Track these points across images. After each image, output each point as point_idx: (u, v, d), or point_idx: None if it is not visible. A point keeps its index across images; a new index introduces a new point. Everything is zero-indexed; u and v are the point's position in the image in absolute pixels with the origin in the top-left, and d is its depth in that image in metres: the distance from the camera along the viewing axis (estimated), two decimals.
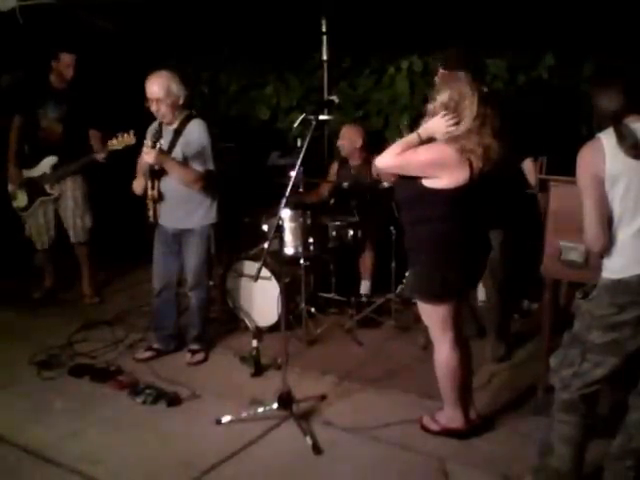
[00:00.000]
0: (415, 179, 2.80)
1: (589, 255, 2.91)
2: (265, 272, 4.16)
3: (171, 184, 3.80)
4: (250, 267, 4.40)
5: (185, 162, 3.77)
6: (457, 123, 2.74)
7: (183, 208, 3.85)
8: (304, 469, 2.95)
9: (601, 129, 2.39)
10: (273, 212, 3.84)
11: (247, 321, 4.47)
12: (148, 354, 4.07)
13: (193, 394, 3.57)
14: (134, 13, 5.03)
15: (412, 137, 2.82)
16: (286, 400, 3.26)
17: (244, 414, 3.29)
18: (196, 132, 3.79)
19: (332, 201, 4.75)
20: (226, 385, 3.73)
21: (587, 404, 2.51)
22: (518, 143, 3.26)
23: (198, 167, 3.78)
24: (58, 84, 4.82)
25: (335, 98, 3.47)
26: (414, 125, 2.95)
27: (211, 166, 3.82)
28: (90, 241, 5.04)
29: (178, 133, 3.80)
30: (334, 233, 4.40)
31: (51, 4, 4.69)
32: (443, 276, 2.86)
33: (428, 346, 3.53)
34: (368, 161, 4.71)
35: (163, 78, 3.72)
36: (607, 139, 2.34)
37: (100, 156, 4.60)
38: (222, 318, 4.61)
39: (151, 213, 3.89)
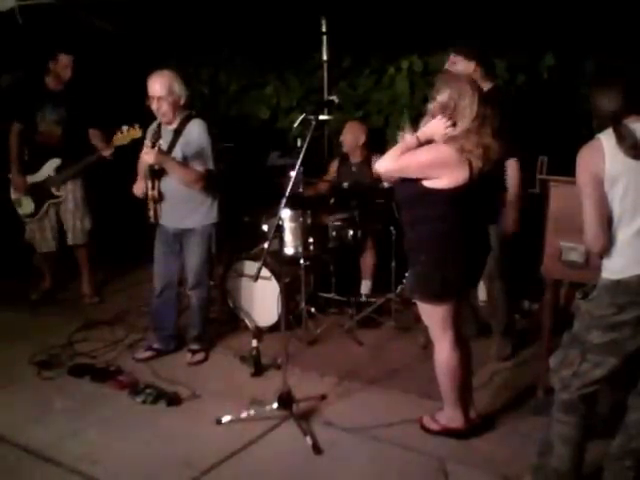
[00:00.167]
0: (415, 179, 2.80)
1: (589, 255, 2.91)
2: (265, 272, 4.17)
3: (171, 184, 3.80)
4: (250, 267, 4.40)
5: (185, 162, 3.77)
6: (454, 125, 2.74)
7: (184, 208, 3.85)
8: (304, 469, 2.96)
9: (601, 129, 2.39)
10: (273, 212, 3.84)
11: (247, 321, 4.47)
12: (148, 354, 4.07)
13: (193, 394, 3.58)
14: (133, 13, 5.03)
15: (410, 140, 2.82)
16: (286, 400, 3.26)
17: (244, 414, 3.29)
18: (196, 132, 3.79)
19: (332, 200, 4.74)
20: (226, 385, 3.73)
21: (586, 404, 2.51)
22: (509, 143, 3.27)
23: (198, 167, 3.78)
24: (55, 86, 4.77)
25: (335, 98, 3.47)
26: (414, 125, 2.94)
27: (211, 166, 3.82)
28: (89, 243, 5.02)
29: (178, 133, 3.80)
30: (334, 233, 4.39)
31: (50, 4, 4.69)
32: (443, 276, 2.86)
33: (428, 346, 3.53)
34: (369, 159, 4.72)
35: (165, 77, 3.73)
36: (607, 139, 2.34)
37: (107, 152, 4.55)
38: (222, 318, 4.60)
39: (152, 213, 3.88)
